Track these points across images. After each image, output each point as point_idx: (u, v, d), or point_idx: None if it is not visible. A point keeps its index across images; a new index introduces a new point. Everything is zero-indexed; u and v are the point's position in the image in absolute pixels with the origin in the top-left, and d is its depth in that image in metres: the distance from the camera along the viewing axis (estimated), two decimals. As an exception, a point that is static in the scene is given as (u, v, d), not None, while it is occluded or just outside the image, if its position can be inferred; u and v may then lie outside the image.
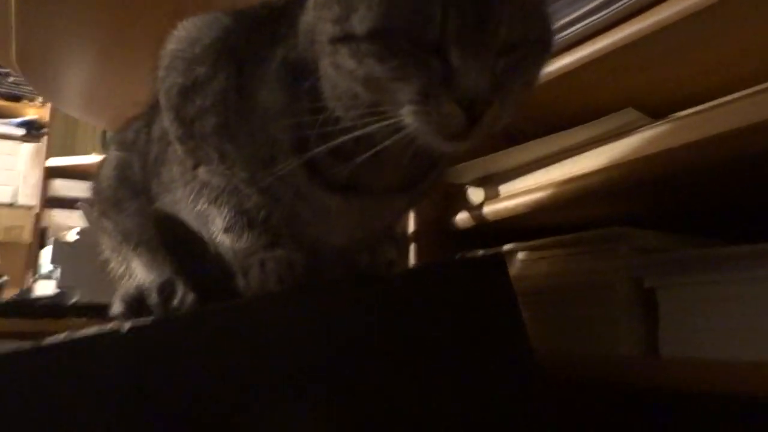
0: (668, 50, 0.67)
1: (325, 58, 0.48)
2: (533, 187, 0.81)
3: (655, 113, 0.69)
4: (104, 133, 3.03)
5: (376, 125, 0.46)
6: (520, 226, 0.87)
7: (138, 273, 0.69)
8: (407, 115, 0.45)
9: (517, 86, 0.47)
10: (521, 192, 0.83)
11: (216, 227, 0.58)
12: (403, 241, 0.61)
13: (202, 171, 0.58)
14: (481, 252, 0.90)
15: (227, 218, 0.57)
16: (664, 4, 0.64)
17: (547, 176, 0.80)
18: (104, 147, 2.93)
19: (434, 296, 0.57)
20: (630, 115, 0.70)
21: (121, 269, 0.72)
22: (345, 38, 0.45)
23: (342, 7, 0.46)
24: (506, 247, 0.86)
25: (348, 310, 0.52)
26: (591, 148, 0.74)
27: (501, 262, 0.62)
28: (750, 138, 0.60)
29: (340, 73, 0.47)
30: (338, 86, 0.48)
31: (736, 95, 0.62)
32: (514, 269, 0.83)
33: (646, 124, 0.69)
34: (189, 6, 1.05)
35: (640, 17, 0.66)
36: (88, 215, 1.66)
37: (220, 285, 0.58)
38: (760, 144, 0.61)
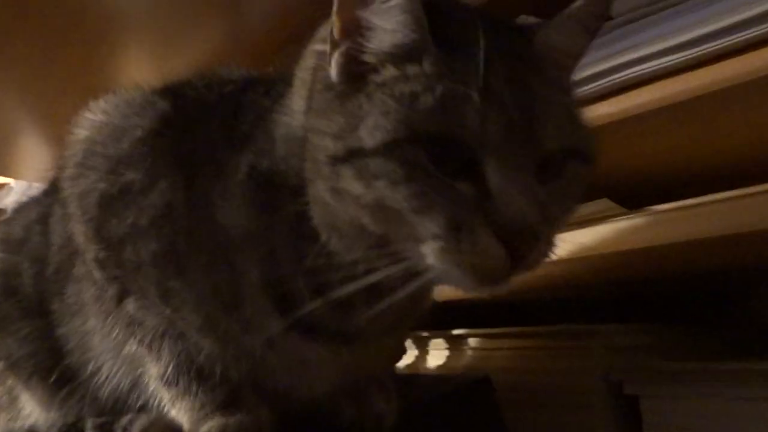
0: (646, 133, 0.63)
1: (321, 182, 0.37)
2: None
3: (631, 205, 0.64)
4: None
5: (387, 270, 0.36)
6: (471, 306, 0.80)
7: (29, 409, 0.54)
8: (430, 255, 0.35)
9: (564, 212, 0.38)
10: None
11: (150, 376, 0.45)
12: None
13: (131, 305, 0.44)
14: (425, 334, 0.82)
15: (169, 368, 0.44)
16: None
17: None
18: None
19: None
20: (605, 204, 0.65)
21: (3, 400, 0.56)
22: (350, 155, 0.35)
23: (347, 118, 0.36)
24: (456, 331, 0.78)
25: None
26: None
27: (489, 385, 0.54)
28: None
29: (341, 201, 0.37)
30: (338, 216, 0.38)
31: (716, 196, 0.58)
32: (464, 358, 0.76)
33: (620, 214, 0.64)
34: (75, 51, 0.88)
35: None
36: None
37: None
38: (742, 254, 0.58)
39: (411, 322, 0.48)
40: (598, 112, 0.62)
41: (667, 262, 0.62)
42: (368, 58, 0.37)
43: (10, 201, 2.04)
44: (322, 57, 0.39)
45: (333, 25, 0.37)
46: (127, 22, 0.84)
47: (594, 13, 0.40)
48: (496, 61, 0.35)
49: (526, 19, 0.65)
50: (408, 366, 0.82)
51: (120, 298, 0.45)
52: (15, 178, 1.72)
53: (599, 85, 0.61)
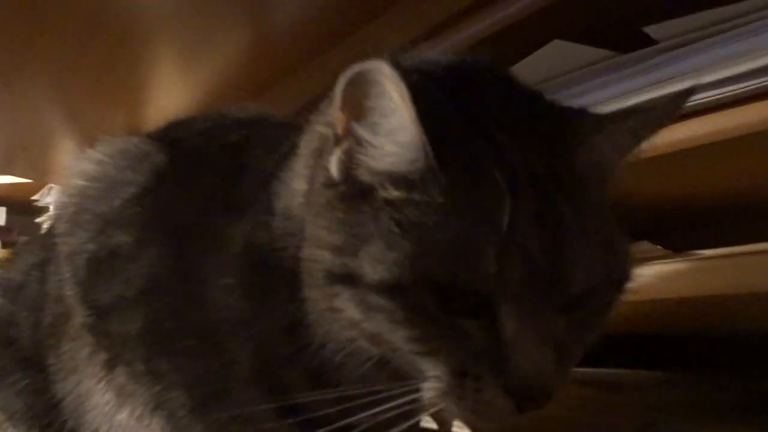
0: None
1: (316, 292, 0.34)
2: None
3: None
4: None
5: (389, 404, 0.32)
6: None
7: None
8: (430, 393, 0.32)
9: (585, 342, 0.34)
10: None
11: None
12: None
13: (122, 375, 0.42)
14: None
15: None
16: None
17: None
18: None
19: None
20: (644, 248, 0.59)
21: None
22: (348, 279, 0.31)
23: (348, 234, 0.32)
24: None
25: None
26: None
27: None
28: None
29: (337, 318, 0.33)
30: (333, 330, 0.34)
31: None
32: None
33: (663, 257, 0.59)
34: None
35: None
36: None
37: None
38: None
39: None
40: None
41: (718, 314, 0.56)
42: (366, 174, 0.32)
43: (51, 200, 2.07)
44: (324, 143, 0.34)
45: (335, 115, 0.32)
46: (152, 22, 0.83)
47: (656, 123, 0.35)
48: (524, 189, 0.31)
49: (558, 46, 0.60)
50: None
51: (111, 366, 0.42)
52: (53, 182, 1.75)
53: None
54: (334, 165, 0.33)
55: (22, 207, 2.28)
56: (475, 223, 0.30)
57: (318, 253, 0.33)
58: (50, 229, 0.54)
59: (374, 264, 0.30)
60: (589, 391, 0.62)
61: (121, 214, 0.41)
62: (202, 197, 0.40)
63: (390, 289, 0.30)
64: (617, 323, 0.62)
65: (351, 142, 0.32)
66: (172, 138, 0.45)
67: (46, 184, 1.87)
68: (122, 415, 0.43)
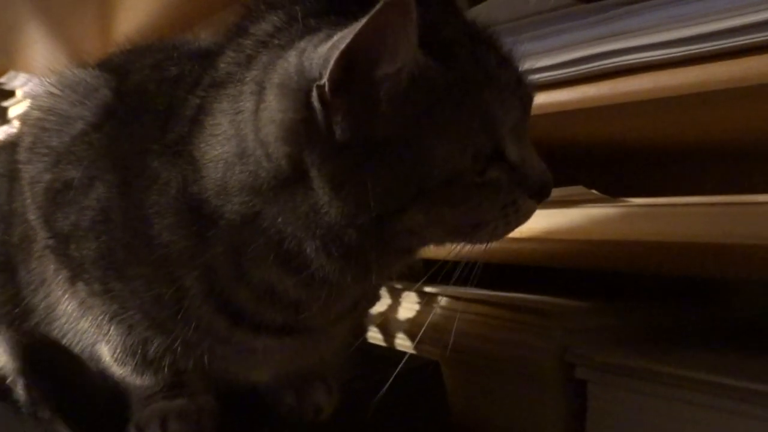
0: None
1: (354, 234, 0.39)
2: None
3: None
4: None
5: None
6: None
7: None
8: (484, 236, 0.40)
9: None
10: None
11: (103, 354, 0.47)
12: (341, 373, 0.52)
13: (82, 290, 0.45)
14: (399, 286, 0.84)
15: (117, 350, 0.46)
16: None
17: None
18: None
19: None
20: (579, 191, 0.63)
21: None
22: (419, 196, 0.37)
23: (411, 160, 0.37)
24: (428, 288, 0.79)
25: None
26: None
27: (437, 369, 0.56)
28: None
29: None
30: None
31: (698, 199, 0.57)
32: (435, 317, 0.78)
33: (594, 201, 0.63)
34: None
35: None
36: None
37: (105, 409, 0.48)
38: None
39: (363, 306, 0.49)
40: (586, 94, 0.59)
41: (641, 259, 0.61)
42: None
43: (18, 84, 2.03)
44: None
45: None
46: None
47: None
48: (486, 56, 0.38)
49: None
50: (380, 314, 0.84)
51: (73, 282, 0.46)
52: (23, 70, 1.71)
53: (587, 68, 0.58)
54: (339, 129, 0.36)
55: (-11, 89, 2.22)
56: (479, 96, 0.37)
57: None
58: (16, 141, 0.56)
59: (436, 166, 0.36)
60: (506, 312, 0.67)
61: (71, 150, 0.43)
62: (140, 138, 0.42)
63: (449, 181, 0.36)
64: (549, 258, 0.68)
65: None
66: (123, 70, 0.46)
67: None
68: (84, 324, 0.47)
